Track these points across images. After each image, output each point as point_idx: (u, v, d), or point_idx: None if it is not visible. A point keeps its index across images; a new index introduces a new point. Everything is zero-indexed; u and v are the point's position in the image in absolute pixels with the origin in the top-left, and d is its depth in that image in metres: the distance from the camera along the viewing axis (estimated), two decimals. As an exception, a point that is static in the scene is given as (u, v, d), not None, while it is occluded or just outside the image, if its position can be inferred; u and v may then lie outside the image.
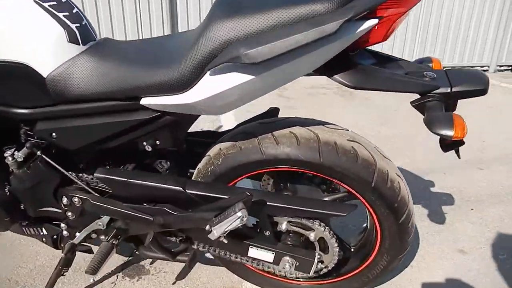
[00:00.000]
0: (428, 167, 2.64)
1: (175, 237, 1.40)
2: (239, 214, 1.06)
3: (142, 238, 1.41)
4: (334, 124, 1.24)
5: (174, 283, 1.65)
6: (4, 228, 1.38)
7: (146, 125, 1.15)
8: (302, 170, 1.18)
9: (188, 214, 1.19)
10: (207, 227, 1.13)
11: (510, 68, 5.59)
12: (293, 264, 1.26)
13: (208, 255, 1.82)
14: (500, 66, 5.65)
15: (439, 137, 1.00)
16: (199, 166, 1.29)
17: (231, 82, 0.96)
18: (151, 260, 1.77)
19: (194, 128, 1.53)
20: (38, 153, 1.24)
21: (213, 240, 1.18)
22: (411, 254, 1.81)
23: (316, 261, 1.26)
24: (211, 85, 0.98)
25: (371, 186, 1.16)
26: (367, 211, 1.31)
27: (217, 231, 1.11)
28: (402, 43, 5.22)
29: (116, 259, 1.77)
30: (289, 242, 1.30)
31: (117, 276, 1.69)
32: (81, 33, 1.16)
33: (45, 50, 1.10)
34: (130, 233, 1.32)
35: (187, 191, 1.20)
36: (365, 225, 1.43)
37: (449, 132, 0.89)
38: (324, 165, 1.14)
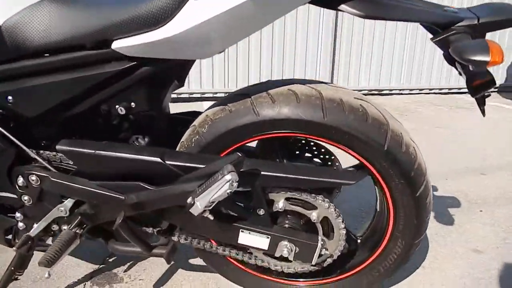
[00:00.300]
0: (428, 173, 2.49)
1: (152, 228, 1.18)
2: (228, 177, 0.86)
3: (111, 229, 1.19)
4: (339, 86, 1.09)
5: (152, 290, 1.41)
6: None
7: (119, 79, 0.97)
8: (303, 135, 1.01)
9: (166, 188, 0.99)
10: (189, 200, 0.93)
11: (496, 89, 5.61)
12: (292, 250, 1.05)
13: (193, 260, 1.58)
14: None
15: (467, 81, 0.85)
16: (182, 139, 1.11)
17: (219, 8, 0.80)
18: (125, 267, 1.53)
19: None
20: (-11, 121, 1.05)
21: (197, 217, 0.97)
22: (420, 255, 1.62)
23: (319, 245, 1.05)
24: (194, 13, 0.82)
25: (384, 149, 0.98)
26: (378, 187, 1.12)
27: (201, 202, 0.91)
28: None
29: (84, 267, 1.53)
30: (287, 225, 1.09)
31: (85, 284, 1.44)
32: None
33: None
34: (98, 219, 1.10)
35: (167, 162, 1.01)
36: (375, 208, 1.24)
37: (485, 57, 0.74)
38: (329, 125, 0.97)
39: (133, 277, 1.48)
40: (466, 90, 4.31)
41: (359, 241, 1.26)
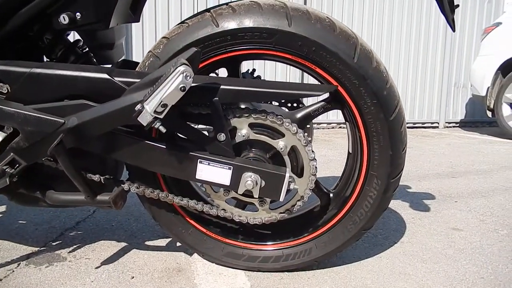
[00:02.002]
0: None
1: (99, 174, 1.03)
2: (181, 68, 0.76)
3: (54, 176, 1.03)
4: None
5: (98, 267, 1.21)
6: None
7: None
8: (267, 51, 0.93)
9: (112, 102, 0.87)
10: (137, 107, 0.81)
11: (458, 124, 5.84)
12: (257, 183, 0.92)
13: (149, 242, 1.40)
14: (449, 123, 5.89)
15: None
16: (137, 68, 1.00)
17: None
18: (71, 249, 1.33)
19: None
20: None
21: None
22: (398, 233, 1.50)
23: (287, 176, 0.93)
24: None
25: (354, 62, 0.91)
26: (349, 122, 1.04)
27: (150, 105, 0.79)
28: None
29: (22, 249, 1.32)
30: (251, 157, 0.97)
31: (19, 264, 1.23)
32: None
33: None
34: (34, 154, 0.94)
35: (115, 78, 0.90)
36: (347, 153, 1.14)
37: None
38: (295, 33, 0.90)
39: (78, 257, 1.28)
40: (429, 124, 4.40)
41: (331, 195, 1.14)
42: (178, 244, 1.37)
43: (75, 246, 1.35)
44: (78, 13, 0.92)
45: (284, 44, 0.92)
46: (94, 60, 1.11)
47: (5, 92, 0.96)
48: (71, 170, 0.92)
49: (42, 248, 1.33)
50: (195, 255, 1.25)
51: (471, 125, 5.72)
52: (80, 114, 0.89)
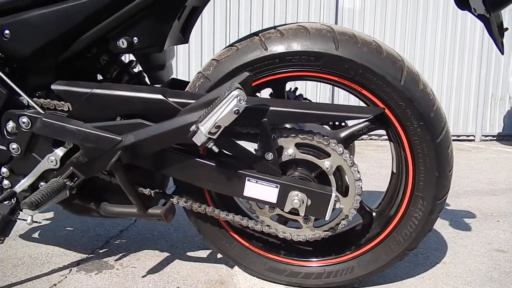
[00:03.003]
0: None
1: (149, 188, 1.08)
2: (235, 92, 0.80)
3: (107, 188, 1.09)
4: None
5: (144, 276, 1.26)
6: None
7: (124, 4, 0.94)
8: (314, 74, 0.95)
9: (167, 122, 0.92)
10: (192, 128, 0.85)
11: (495, 138, 5.65)
12: (303, 202, 0.95)
13: (191, 253, 1.45)
14: (485, 136, 5.70)
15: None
16: (186, 88, 1.05)
17: None
18: (117, 257, 1.39)
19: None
20: (-16, 60, 1.00)
21: (199, 163, 0.89)
22: (439, 252, 1.48)
23: (333, 196, 0.95)
24: None
25: (400, 85, 0.93)
26: (394, 142, 1.04)
27: (205, 126, 0.83)
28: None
29: (71, 255, 1.39)
30: (297, 176, 1.00)
31: (70, 270, 1.30)
32: None
33: None
34: (91, 169, 1.01)
35: (169, 99, 0.95)
36: (391, 172, 1.15)
37: None
38: (342, 57, 0.92)
39: (125, 265, 1.33)
40: (464, 137, 4.26)
41: (374, 214, 1.15)
42: (218, 256, 1.41)
43: (120, 255, 1.41)
44: (135, 38, 0.98)
45: (331, 66, 0.94)
46: (146, 80, 1.18)
47: (66, 110, 1.04)
48: (126, 185, 0.97)
49: (90, 255, 1.40)
50: (236, 267, 1.28)
51: (509, 139, 5.51)
52: (136, 132, 0.94)
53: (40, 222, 1.62)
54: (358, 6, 4.87)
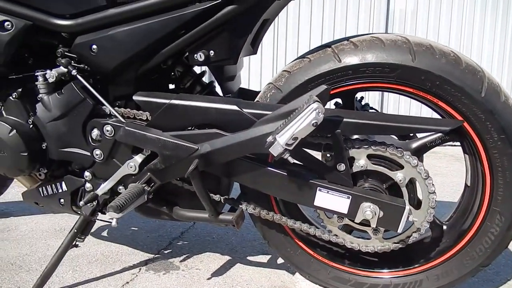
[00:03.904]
0: None
1: (219, 195, 1.12)
2: (314, 105, 0.81)
3: (180, 192, 1.14)
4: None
5: (209, 278, 1.31)
6: (16, 171, 1.15)
7: (202, 20, 0.98)
8: (389, 85, 0.95)
9: (243, 132, 0.95)
10: (269, 138, 0.88)
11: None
12: (375, 214, 0.94)
13: (253, 258, 1.48)
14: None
15: None
16: (257, 98, 1.08)
17: None
18: (181, 258, 1.45)
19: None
20: (74, 72, 1.08)
21: (270, 173, 0.91)
22: (509, 267, 1.41)
23: (407, 208, 0.94)
24: None
25: (481, 97, 0.90)
26: (469, 155, 1.02)
27: (283, 137, 0.85)
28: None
29: (139, 255, 1.47)
30: (368, 187, 0.99)
31: (140, 269, 1.37)
32: None
33: None
34: (168, 175, 1.06)
35: (244, 110, 0.98)
36: (464, 185, 1.11)
37: None
38: (418, 68, 0.91)
39: (189, 267, 1.39)
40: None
41: (445, 227, 1.12)
42: (279, 261, 1.43)
43: (184, 256, 1.47)
44: (212, 51, 1.02)
45: (406, 78, 0.93)
46: (217, 90, 1.22)
47: (144, 119, 1.10)
48: (201, 191, 1.01)
49: (156, 256, 1.47)
50: (298, 274, 1.29)
51: None
52: (212, 141, 0.98)
53: (108, 222, 1.72)
54: (410, 7, 4.73)
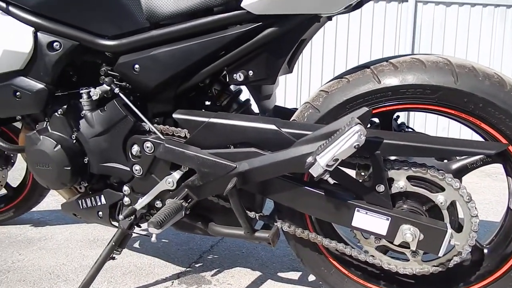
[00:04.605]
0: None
1: (254, 212, 1.13)
2: (356, 127, 0.82)
3: (215, 209, 1.16)
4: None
5: (240, 294, 1.31)
6: (59, 184, 1.19)
7: (243, 42, 1.00)
8: (430, 106, 0.94)
9: (282, 152, 0.96)
10: (309, 159, 0.89)
11: None
12: (415, 237, 0.93)
13: (284, 274, 1.48)
14: None
15: None
16: (293, 117, 1.09)
17: None
18: (212, 272, 1.46)
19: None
20: (116, 90, 1.12)
21: (307, 192, 0.92)
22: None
23: (449, 232, 0.92)
24: None
25: (527, 119, 0.88)
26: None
27: (324, 159, 0.86)
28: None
29: (171, 267, 1.49)
30: (407, 208, 0.98)
31: (172, 282, 1.39)
32: None
33: None
34: (205, 192, 1.08)
35: (282, 129, 0.99)
36: (507, 208, 1.09)
37: None
38: (461, 91, 0.90)
39: (221, 281, 1.40)
40: None
41: (486, 250, 1.09)
42: (310, 279, 1.42)
43: (215, 270, 1.48)
44: (251, 71, 1.04)
45: (448, 100, 0.92)
46: (253, 108, 1.24)
47: (183, 136, 1.12)
48: (238, 208, 1.03)
49: (188, 269, 1.49)
50: (330, 293, 1.28)
51: None
52: (250, 160, 1.00)
53: (145, 235, 1.75)
54: (438, 17, 4.68)
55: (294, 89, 4.50)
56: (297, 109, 1.33)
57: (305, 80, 4.50)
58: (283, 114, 1.20)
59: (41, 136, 1.16)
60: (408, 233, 0.93)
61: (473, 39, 4.53)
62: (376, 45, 4.63)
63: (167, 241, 1.75)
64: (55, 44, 1.10)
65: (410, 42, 4.65)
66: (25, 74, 1.12)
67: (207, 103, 1.23)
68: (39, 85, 1.12)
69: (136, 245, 1.69)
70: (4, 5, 1.11)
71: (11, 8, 1.10)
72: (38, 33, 1.10)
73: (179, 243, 1.72)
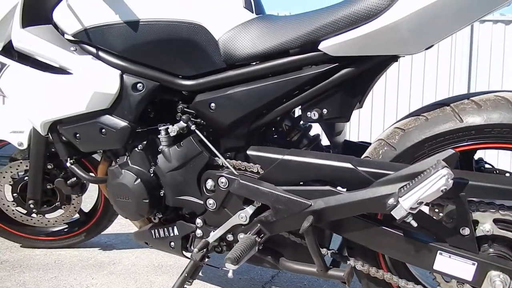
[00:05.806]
0: None
1: (326, 248, 1.12)
2: (443, 171, 0.80)
3: (286, 244, 1.16)
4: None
5: (308, 330, 1.29)
6: (137, 216, 1.26)
7: (319, 82, 1.02)
8: (511, 145, 0.91)
9: (361, 192, 0.95)
10: (391, 201, 0.87)
11: None
12: (506, 284, 0.88)
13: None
14: None
15: None
16: (366, 153, 1.09)
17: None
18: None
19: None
20: (193, 127, 1.17)
21: (384, 232, 0.90)
22: None
23: (544, 281, 0.87)
24: (410, 2, 0.85)
25: None
26: None
27: (407, 201, 0.84)
28: None
29: (236, 298, 1.49)
30: (493, 252, 0.94)
31: (239, 314, 1.39)
32: (256, 3, 1.18)
33: (222, 12, 1.11)
34: (278, 228, 1.09)
35: (358, 168, 0.99)
36: None
37: None
38: (554, 130, 0.86)
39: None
40: None
41: None
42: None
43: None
44: (325, 110, 1.05)
45: (539, 139, 0.88)
46: (322, 143, 1.25)
47: (255, 171, 1.15)
48: (313, 246, 1.02)
49: (251, 299, 1.49)
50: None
51: None
52: (327, 199, 1.00)
53: (215, 267, 1.78)
54: (496, 38, 4.49)
55: (368, 123, 4.51)
56: (366, 143, 1.32)
57: (379, 115, 4.48)
58: (355, 149, 1.20)
59: (122, 170, 1.23)
60: (497, 280, 0.89)
61: (537, 59, 4.30)
62: (430, 66, 4.51)
63: (227, 269, 1.77)
64: (138, 85, 1.18)
65: (467, 62, 4.49)
66: (111, 113, 1.21)
67: (277, 137, 1.25)
68: (123, 123, 1.20)
69: (200, 273, 1.72)
70: (94, 50, 1.21)
71: (100, 53, 1.20)
72: (124, 75, 1.18)
73: (240, 272, 1.74)
